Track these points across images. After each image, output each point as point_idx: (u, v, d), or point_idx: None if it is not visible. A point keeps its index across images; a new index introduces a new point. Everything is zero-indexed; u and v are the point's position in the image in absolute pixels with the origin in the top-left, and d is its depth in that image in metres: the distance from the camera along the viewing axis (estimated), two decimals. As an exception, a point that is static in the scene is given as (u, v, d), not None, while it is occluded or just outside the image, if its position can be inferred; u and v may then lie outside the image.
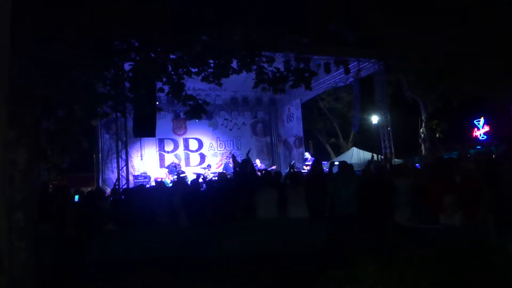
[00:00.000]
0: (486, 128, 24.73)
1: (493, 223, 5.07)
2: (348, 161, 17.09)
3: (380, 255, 5.09)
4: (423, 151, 22.44)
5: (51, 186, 13.46)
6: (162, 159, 17.96)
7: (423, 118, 22.58)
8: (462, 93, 19.49)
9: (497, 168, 5.81)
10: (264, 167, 16.27)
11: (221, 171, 14.82)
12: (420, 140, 22.76)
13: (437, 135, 24.51)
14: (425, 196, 6.34)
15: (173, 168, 15.89)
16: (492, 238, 4.86)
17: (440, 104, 22.27)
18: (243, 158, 13.32)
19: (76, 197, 8.25)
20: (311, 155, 16.56)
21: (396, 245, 5.48)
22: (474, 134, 25.17)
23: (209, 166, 16.97)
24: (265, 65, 7.45)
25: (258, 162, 16.72)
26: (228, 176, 10.58)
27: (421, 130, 22.71)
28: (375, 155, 16.39)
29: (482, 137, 24.71)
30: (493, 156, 9.03)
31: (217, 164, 18.60)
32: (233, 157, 10.78)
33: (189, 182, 8.69)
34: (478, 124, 25.06)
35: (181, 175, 14.77)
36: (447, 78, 18.29)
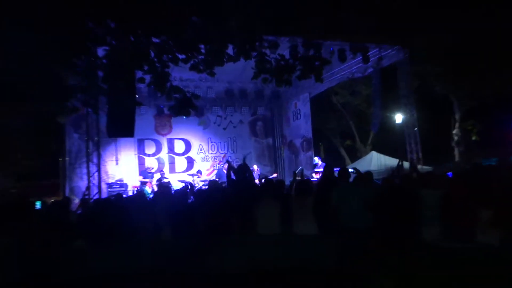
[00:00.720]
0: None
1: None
2: (367, 168, 17.31)
3: (402, 278, 5.12)
4: (456, 156, 22.46)
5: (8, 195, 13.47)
6: (141, 163, 17.97)
7: (456, 117, 22.62)
8: (498, 88, 19.58)
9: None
10: (260, 172, 16.32)
11: (213, 178, 14.84)
12: (452, 144, 22.80)
13: (473, 138, 24.56)
14: (458, 210, 6.35)
15: (148, 175, 15.83)
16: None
17: (476, 101, 22.30)
18: (239, 163, 13.33)
19: (38, 204, 8.27)
20: (322, 160, 16.58)
21: (422, 267, 5.49)
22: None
23: (199, 172, 16.98)
24: (267, 51, 7.49)
25: (255, 167, 16.78)
26: (222, 185, 10.59)
27: (454, 132, 22.76)
28: (401, 162, 16.41)
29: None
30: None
31: (208, 170, 18.63)
32: (229, 163, 10.82)
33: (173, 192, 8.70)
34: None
35: (164, 182, 14.86)
36: (478, 70, 18.45)
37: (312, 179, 12.49)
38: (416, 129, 14.88)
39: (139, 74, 7.32)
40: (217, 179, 13.42)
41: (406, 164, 15.55)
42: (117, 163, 17.16)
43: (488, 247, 5.82)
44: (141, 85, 8.44)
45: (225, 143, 19.91)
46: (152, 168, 16.42)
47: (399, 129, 17.42)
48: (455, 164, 20.86)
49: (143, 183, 15.31)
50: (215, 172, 18.06)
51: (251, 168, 15.88)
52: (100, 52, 7.06)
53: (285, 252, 5.86)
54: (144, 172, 16.32)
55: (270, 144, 21.07)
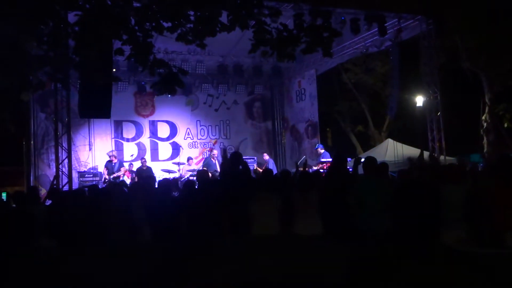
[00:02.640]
0: None
1: None
2: (381, 158, 17.30)
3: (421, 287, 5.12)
4: (486, 146, 22.49)
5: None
6: (119, 149, 17.96)
7: (486, 100, 22.60)
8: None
9: None
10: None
11: (201, 168, 14.86)
12: (481, 131, 22.80)
13: (506, 125, 24.56)
14: (487, 210, 6.36)
15: (110, 164, 15.62)
16: None
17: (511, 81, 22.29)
18: (232, 151, 13.37)
19: (4, 195, 8.28)
20: (326, 149, 16.56)
21: (444, 274, 5.50)
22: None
23: (189, 159, 16.92)
24: (268, 20, 7.42)
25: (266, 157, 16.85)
26: (210, 176, 10.60)
27: (483, 118, 22.73)
28: (423, 153, 16.42)
29: None
30: None
31: (196, 158, 18.64)
32: (224, 152, 10.81)
33: (156, 184, 8.69)
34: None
35: (143, 171, 14.88)
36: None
37: (321, 171, 12.42)
38: (439, 113, 14.88)
39: (116, 44, 7.25)
40: (205, 169, 13.42)
41: (427, 154, 15.61)
42: (90, 149, 17.19)
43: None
44: (119, 58, 8.38)
45: (217, 126, 19.91)
46: (113, 158, 15.79)
47: (419, 114, 17.41)
48: (484, 155, 20.90)
49: (112, 179, 15.06)
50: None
51: (247, 158, 16.04)
52: (71, 17, 6.99)
53: (286, 260, 5.85)
54: (109, 165, 15.74)
55: (269, 128, 21.08)
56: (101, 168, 16.40)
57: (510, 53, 19.51)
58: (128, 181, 15.20)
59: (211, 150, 17.24)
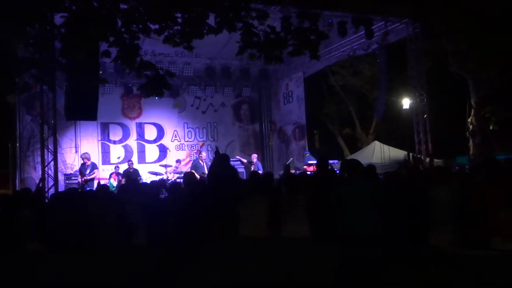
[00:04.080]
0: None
1: None
2: (368, 160, 17.37)
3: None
4: (472, 148, 22.66)
5: None
6: (106, 152, 17.90)
7: (472, 103, 22.77)
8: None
9: None
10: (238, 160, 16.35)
11: (189, 170, 14.84)
12: (468, 134, 22.96)
13: (491, 127, 24.75)
14: (473, 212, 6.41)
15: (83, 167, 15.16)
16: None
17: (498, 84, 22.46)
18: (221, 153, 13.33)
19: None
20: (311, 152, 16.59)
21: (432, 277, 5.54)
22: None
23: (178, 161, 16.90)
24: (255, 22, 7.43)
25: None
26: (198, 178, 10.58)
27: (469, 120, 22.90)
28: (409, 155, 16.50)
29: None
30: None
31: (183, 160, 18.60)
32: (217, 153, 10.73)
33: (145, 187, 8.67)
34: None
35: (130, 173, 14.79)
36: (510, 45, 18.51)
37: (308, 173, 12.47)
38: (425, 116, 14.97)
39: (103, 46, 7.23)
40: (193, 171, 13.40)
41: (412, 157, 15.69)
42: (76, 151, 17.09)
43: (507, 253, 5.87)
44: (106, 60, 8.36)
45: (204, 129, 19.89)
46: (86, 161, 15.23)
47: (406, 116, 17.50)
48: (470, 157, 21.05)
49: (83, 182, 14.65)
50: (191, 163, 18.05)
51: (256, 163, 16.04)
52: (58, 19, 6.96)
53: (274, 262, 5.85)
54: (82, 168, 15.21)
55: (256, 131, 21.08)
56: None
57: (497, 57, 19.68)
58: (114, 183, 15.12)
59: (199, 152, 17.19)
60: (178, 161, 16.89)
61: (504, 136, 24.20)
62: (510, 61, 19.79)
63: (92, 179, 14.70)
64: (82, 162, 15.28)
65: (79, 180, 14.78)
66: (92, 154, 16.93)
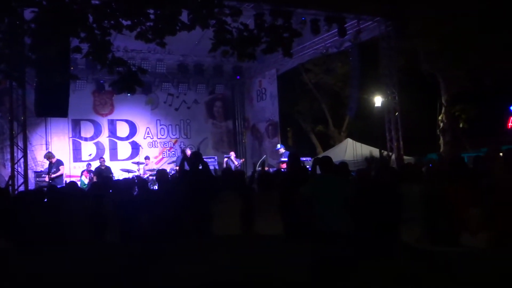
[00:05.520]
0: (526, 118, 25.57)
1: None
2: (341, 157, 17.50)
3: (382, 286, 5.20)
4: (442, 146, 22.98)
5: None
6: (77, 149, 17.73)
7: (443, 101, 23.09)
8: (500, 67, 20.05)
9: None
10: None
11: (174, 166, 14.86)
12: (438, 131, 23.29)
13: (461, 125, 25.15)
14: (443, 209, 6.50)
15: (50, 166, 14.77)
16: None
17: (468, 83, 22.80)
18: (193, 150, 13.33)
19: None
20: (287, 149, 16.64)
21: (403, 273, 5.60)
22: (510, 124, 25.99)
23: (147, 158, 16.81)
24: (228, 19, 7.43)
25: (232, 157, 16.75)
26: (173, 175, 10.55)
27: (440, 118, 23.23)
28: (380, 152, 16.66)
29: (521, 130, 25.55)
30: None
31: (156, 158, 18.53)
32: (183, 152, 10.69)
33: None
34: (516, 111, 25.87)
35: (102, 170, 14.66)
36: (480, 45, 18.82)
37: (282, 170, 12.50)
38: (397, 114, 15.12)
39: (74, 42, 7.15)
40: (165, 169, 13.35)
41: (384, 154, 15.86)
42: (47, 148, 16.89)
43: (475, 250, 5.98)
44: (77, 56, 8.28)
45: (177, 126, 19.81)
46: (51, 160, 14.87)
47: (378, 114, 17.68)
48: (440, 154, 21.35)
49: (50, 181, 14.28)
50: (164, 160, 17.99)
51: (230, 162, 16.02)
52: (28, 14, 6.87)
53: (247, 260, 5.86)
54: (49, 166, 14.83)
55: (230, 128, 21.08)
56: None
57: (467, 56, 19.99)
58: (86, 181, 14.99)
59: (171, 149, 17.10)
60: (146, 157, 16.83)
61: (473, 134, 24.63)
62: (479, 60, 20.14)
63: (60, 176, 14.51)
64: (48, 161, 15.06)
65: (47, 179, 14.57)
66: (63, 151, 16.81)
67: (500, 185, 6.12)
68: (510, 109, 25.95)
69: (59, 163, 14.89)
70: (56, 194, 7.96)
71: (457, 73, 22.01)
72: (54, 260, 6.02)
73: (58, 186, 11.78)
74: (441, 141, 23.15)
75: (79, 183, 13.23)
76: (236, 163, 16.53)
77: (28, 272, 5.72)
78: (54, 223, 6.80)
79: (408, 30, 16.76)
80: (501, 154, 11.01)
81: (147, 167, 16.12)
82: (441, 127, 23.09)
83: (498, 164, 6.85)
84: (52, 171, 14.47)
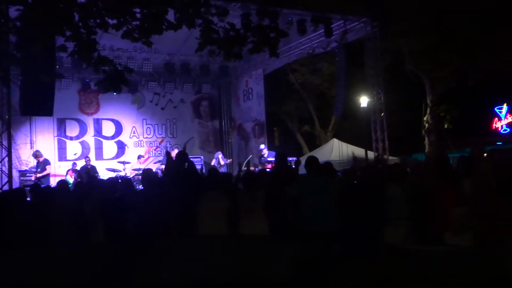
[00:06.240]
0: (510, 119, 25.84)
1: (512, 246, 5.33)
2: (326, 157, 17.55)
3: (367, 285, 5.23)
4: (427, 146, 23.14)
5: None
6: (62, 148, 17.61)
7: (428, 102, 23.25)
8: (483, 68, 20.25)
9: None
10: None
11: (158, 166, 14.84)
12: (423, 132, 23.44)
13: (446, 126, 25.34)
14: (428, 209, 6.55)
15: (37, 164, 14.89)
16: (510, 266, 5.10)
17: (453, 83, 22.99)
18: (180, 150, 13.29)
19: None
20: (272, 149, 16.64)
21: (388, 272, 5.63)
22: (494, 125, 26.26)
23: (140, 157, 16.77)
24: (215, 19, 7.42)
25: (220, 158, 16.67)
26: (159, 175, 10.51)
27: (425, 119, 23.38)
28: (368, 153, 16.73)
29: (504, 130, 25.84)
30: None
31: (143, 158, 18.43)
32: (168, 154, 10.67)
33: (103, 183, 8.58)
34: (500, 112, 26.15)
35: (88, 170, 14.58)
36: (464, 46, 18.98)
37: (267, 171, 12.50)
38: (382, 114, 15.20)
39: (60, 40, 7.11)
40: (151, 168, 13.31)
41: (371, 154, 15.94)
42: (32, 147, 16.76)
43: (459, 249, 6.03)
44: (63, 54, 8.22)
45: (163, 125, 19.75)
46: (39, 159, 14.97)
47: (364, 115, 17.76)
48: (426, 154, 21.50)
49: (36, 180, 14.17)
50: (150, 159, 17.92)
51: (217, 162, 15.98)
52: (13, 12, 6.81)
53: (232, 260, 5.85)
54: (36, 165, 14.90)
55: (216, 127, 21.06)
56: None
57: (451, 56, 20.15)
58: (71, 180, 14.89)
59: (158, 149, 17.06)
60: (139, 157, 16.85)
61: (458, 134, 24.83)
62: (463, 60, 20.31)
63: (46, 176, 14.43)
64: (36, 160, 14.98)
65: (33, 178, 14.48)
66: (48, 150, 16.68)
67: (484, 185, 6.18)
68: (495, 110, 26.24)
69: (46, 162, 14.82)
70: (39, 194, 7.91)
71: (442, 73, 22.19)
72: (36, 260, 5.98)
73: (43, 186, 11.73)
74: (426, 141, 23.31)
75: (64, 182, 13.13)
76: (222, 162, 16.51)
77: (9, 272, 5.68)
78: (36, 222, 6.76)
79: (393, 31, 16.86)
80: (485, 154, 11.15)
81: (134, 166, 16.06)
82: (426, 127, 23.25)
83: (484, 165, 6.90)
84: (38, 170, 14.39)
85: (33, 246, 6.37)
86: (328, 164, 8.23)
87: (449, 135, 24.81)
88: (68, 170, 15.48)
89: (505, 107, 25.94)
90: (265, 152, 15.29)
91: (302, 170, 7.54)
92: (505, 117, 25.94)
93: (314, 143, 28.50)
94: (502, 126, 26.00)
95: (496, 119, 26.26)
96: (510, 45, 18.55)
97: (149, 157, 18.55)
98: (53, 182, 14.36)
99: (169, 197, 7.01)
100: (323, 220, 6.24)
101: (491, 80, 22.11)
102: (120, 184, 8.44)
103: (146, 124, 19.42)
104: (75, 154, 17.49)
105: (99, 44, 7.16)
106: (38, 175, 14.28)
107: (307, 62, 24.41)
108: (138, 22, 6.95)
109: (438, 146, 22.76)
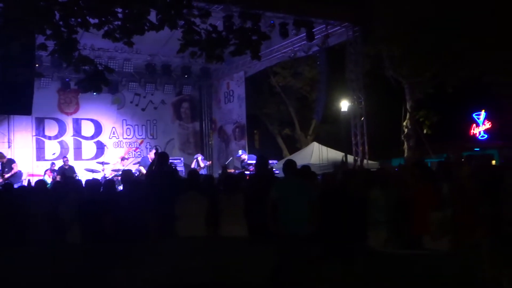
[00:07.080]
0: (488, 125, 26.18)
1: (487, 250, 5.40)
2: (306, 161, 17.59)
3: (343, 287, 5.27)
4: (406, 151, 23.31)
5: None
6: (41, 147, 17.45)
7: (407, 107, 23.43)
8: (462, 74, 20.49)
9: (498, 179, 6.14)
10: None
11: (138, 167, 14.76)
12: (403, 137, 23.61)
13: (425, 131, 25.55)
14: (406, 213, 6.61)
15: (3, 166, 14.47)
16: (485, 269, 5.17)
17: (431, 89, 23.21)
18: (160, 151, 13.23)
19: None
20: (252, 152, 16.63)
21: (368, 275, 5.68)
22: (472, 131, 26.58)
23: (123, 159, 16.71)
24: (197, 20, 7.41)
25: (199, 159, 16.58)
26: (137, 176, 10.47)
27: (404, 124, 23.55)
28: (347, 157, 16.82)
29: (482, 136, 26.18)
30: (494, 162, 9.57)
31: (126, 160, 18.33)
32: (156, 151, 10.62)
33: (83, 184, 8.52)
34: (478, 118, 26.49)
35: (66, 170, 14.45)
36: (444, 52, 19.18)
37: (246, 172, 12.51)
38: (362, 118, 15.29)
39: (40, 39, 7.03)
40: (130, 169, 13.22)
41: (350, 158, 16.02)
42: (9, 146, 16.60)
43: (437, 252, 6.09)
44: (43, 53, 8.14)
45: (144, 126, 19.67)
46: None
47: (344, 119, 17.85)
48: (405, 159, 21.66)
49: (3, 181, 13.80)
50: (130, 160, 17.83)
51: (179, 160, 15.91)
52: (-9, 9, 6.74)
53: (211, 262, 5.85)
54: (3, 167, 14.46)
55: (196, 129, 21.02)
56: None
57: (431, 62, 20.34)
58: (49, 180, 14.74)
59: (137, 149, 16.97)
60: (123, 159, 16.79)
61: (437, 139, 25.06)
62: (441, 66, 20.53)
63: (14, 175, 14.21)
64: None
65: (0, 180, 14.19)
66: (26, 150, 16.57)
67: (462, 190, 6.24)
68: (473, 116, 26.55)
69: (11, 161, 14.62)
70: (12, 194, 7.85)
71: (421, 79, 22.39)
72: (10, 260, 5.92)
73: (15, 185, 11.59)
74: (405, 146, 23.48)
75: (42, 182, 12.98)
76: (202, 165, 16.45)
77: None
78: (10, 223, 6.70)
79: (374, 36, 16.98)
80: (462, 160, 11.27)
81: (114, 167, 15.96)
82: (405, 132, 23.42)
83: (462, 170, 6.98)
84: (6, 170, 14.19)
85: (9, 246, 6.32)
86: (306, 167, 8.26)
87: (428, 140, 25.00)
88: (46, 170, 15.33)
89: (483, 113, 26.28)
90: (244, 157, 15.23)
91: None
92: (483, 123, 26.29)
93: (295, 146, 28.55)
94: (480, 132, 26.35)
95: (474, 125, 26.60)
96: (489, 52, 18.78)
97: (128, 158, 18.43)
98: (32, 182, 14.16)
99: (147, 198, 6.99)
100: (302, 223, 6.25)
101: (469, 86, 22.35)
102: (103, 185, 8.39)
103: (126, 125, 19.31)
104: (53, 154, 17.34)
105: (80, 43, 7.11)
106: (6, 175, 14.06)
107: (289, 65, 24.46)
108: (119, 22, 6.91)
109: (416, 151, 22.94)
